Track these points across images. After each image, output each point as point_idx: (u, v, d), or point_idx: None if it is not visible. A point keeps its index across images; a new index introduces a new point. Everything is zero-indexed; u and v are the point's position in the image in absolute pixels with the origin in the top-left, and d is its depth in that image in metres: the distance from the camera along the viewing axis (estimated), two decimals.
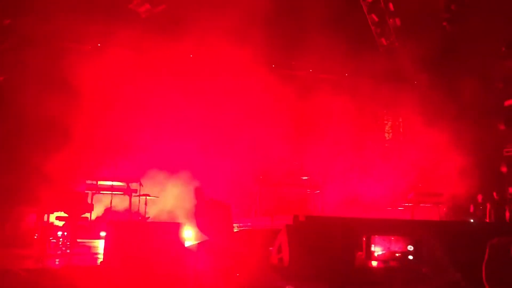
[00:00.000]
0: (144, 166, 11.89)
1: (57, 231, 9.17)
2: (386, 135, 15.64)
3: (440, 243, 2.43)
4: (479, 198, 12.04)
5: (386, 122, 15.72)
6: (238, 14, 11.62)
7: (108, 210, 11.04)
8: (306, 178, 12.45)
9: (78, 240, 8.80)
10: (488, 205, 11.68)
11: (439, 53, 13.39)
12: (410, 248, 3.21)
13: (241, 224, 10.85)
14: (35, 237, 8.40)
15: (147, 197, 10.99)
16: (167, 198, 11.95)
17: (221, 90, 13.00)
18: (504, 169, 13.46)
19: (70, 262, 5.45)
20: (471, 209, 12.16)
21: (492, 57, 13.55)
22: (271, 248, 6.19)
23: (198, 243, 9.35)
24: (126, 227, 5.26)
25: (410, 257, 3.17)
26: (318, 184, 12.46)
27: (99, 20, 12.12)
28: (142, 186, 10.96)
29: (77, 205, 8.47)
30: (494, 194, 12.16)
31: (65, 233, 9.01)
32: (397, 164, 14.29)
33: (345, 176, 13.11)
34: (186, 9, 12.12)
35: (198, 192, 6.76)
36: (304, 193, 12.51)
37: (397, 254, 3.32)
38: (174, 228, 5.47)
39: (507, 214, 12.69)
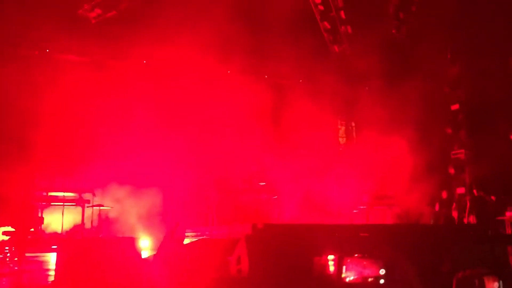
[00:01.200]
0: (97, 176, 11.55)
1: (4, 246, 8.74)
2: (340, 139, 15.95)
3: (412, 266, 2.42)
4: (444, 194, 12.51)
5: (340, 127, 16.03)
6: (190, 20, 11.56)
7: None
8: (263, 184, 12.48)
9: (28, 255, 8.40)
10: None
11: (389, 60, 13.80)
12: (382, 272, 3.14)
13: (198, 233, 10.71)
14: None
15: (101, 208, 10.70)
16: (121, 208, 11.66)
17: (177, 97, 12.84)
18: (451, 170, 14.04)
19: (18, 281, 5.17)
20: (437, 207, 12.58)
21: (439, 63, 14.13)
22: (229, 258, 6.12)
23: (154, 254, 9.16)
24: (77, 244, 5.05)
25: (382, 281, 3.10)
26: (275, 189, 12.51)
27: (48, 25, 11.70)
28: (95, 196, 10.65)
29: (25, 219, 8.08)
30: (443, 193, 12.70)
31: (13, 248, 8.59)
32: (351, 168, 14.59)
33: (302, 181, 13.24)
34: (139, 14, 11.92)
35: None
36: (261, 199, 12.52)
37: (369, 279, 3.24)
38: (128, 242, 5.30)
39: (455, 214, 13.25)
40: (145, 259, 7.69)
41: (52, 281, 4.70)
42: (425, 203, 12.52)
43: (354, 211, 13.16)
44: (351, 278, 3.22)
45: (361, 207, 12.81)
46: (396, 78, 13.32)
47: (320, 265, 5.71)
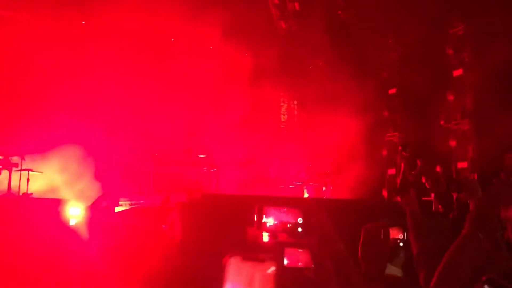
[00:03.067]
0: (28, 139, 10.96)
1: None
2: (282, 116, 16.13)
3: (327, 218, 2.61)
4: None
5: (282, 104, 16.19)
6: None
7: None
8: (203, 156, 12.42)
9: None
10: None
11: (334, 40, 14.01)
12: (300, 220, 3.38)
13: (133, 202, 10.54)
14: None
15: (30, 172, 10.19)
16: (52, 173, 11.18)
17: (118, 61, 12.36)
18: (384, 152, 14.65)
19: None
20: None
21: (380, 47, 14.54)
22: (163, 225, 6.08)
23: (85, 221, 8.92)
24: (0, 202, 4.78)
25: (299, 229, 3.33)
26: (214, 163, 12.50)
27: None
28: (24, 160, 10.11)
29: None
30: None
31: None
32: (290, 145, 14.84)
33: (241, 156, 13.30)
34: None
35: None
36: (200, 171, 12.47)
37: (288, 225, 3.46)
38: (55, 204, 5.09)
39: (385, 194, 13.88)
40: (74, 225, 7.47)
41: None
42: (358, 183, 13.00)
43: (291, 186, 13.44)
44: (271, 224, 3.42)
45: (298, 183, 13.10)
46: (340, 58, 13.56)
47: (253, 235, 5.81)
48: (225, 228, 5.00)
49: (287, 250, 3.27)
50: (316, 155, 13.97)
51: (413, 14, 12.17)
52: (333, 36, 13.85)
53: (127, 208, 9.94)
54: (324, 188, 12.93)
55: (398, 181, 12.99)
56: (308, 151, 14.10)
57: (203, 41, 13.88)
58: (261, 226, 3.20)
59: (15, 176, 10.03)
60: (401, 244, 3.27)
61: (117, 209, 10.54)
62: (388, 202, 11.18)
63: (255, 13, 12.72)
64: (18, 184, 9.96)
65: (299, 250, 3.21)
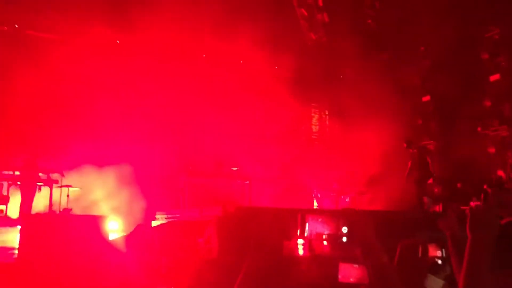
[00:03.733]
0: (67, 156, 11.31)
1: None
2: (313, 127, 16.07)
3: (372, 228, 2.53)
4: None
5: (313, 115, 16.14)
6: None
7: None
8: (236, 169, 12.49)
9: None
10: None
11: (364, 49, 13.92)
12: (344, 230, 3.26)
13: (169, 216, 10.68)
14: None
15: (70, 189, 10.50)
16: (91, 190, 11.46)
17: (151, 79, 12.65)
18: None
19: None
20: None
21: (412, 55, 14.34)
22: (200, 239, 6.13)
23: (124, 235, 9.08)
24: (42, 220, 4.93)
25: (344, 239, 3.21)
26: (247, 175, 12.54)
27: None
28: (64, 177, 10.44)
29: None
30: None
31: None
32: (323, 155, 14.75)
33: (274, 167, 13.30)
34: None
35: None
36: (233, 184, 12.53)
37: (324, 236, 3.37)
38: (95, 221, 5.21)
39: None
40: (113, 240, 7.62)
41: (16, 259, 4.60)
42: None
43: (324, 197, 13.32)
44: (311, 235, 3.31)
45: (332, 194, 12.98)
46: (371, 67, 13.45)
47: (289, 248, 5.79)
48: (260, 241, 5.01)
49: (342, 265, 3.15)
50: (349, 166, 13.81)
51: (446, 19, 11.98)
52: (364, 45, 13.76)
53: (163, 222, 10.07)
54: (357, 199, 12.76)
55: (436, 190, 12.72)
56: (341, 162, 13.96)
57: (233, 55, 14.05)
58: (303, 233, 3.12)
59: (55, 192, 10.35)
60: (439, 262, 3.14)
61: (154, 223, 10.74)
62: (427, 213, 10.91)
63: (284, 26, 12.80)
64: (58, 200, 10.27)
65: (354, 265, 3.09)
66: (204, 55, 13.94)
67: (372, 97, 13.60)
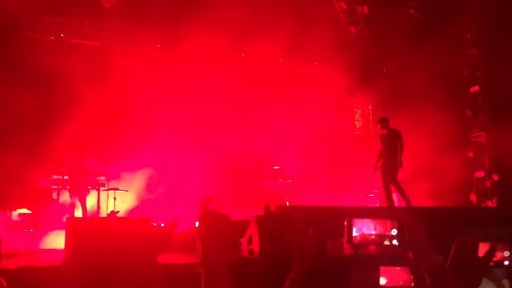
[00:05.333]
0: (113, 160, 11.61)
1: (22, 229, 8.88)
2: (356, 123, 15.73)
3: (424, 227, 2.29)
4: None
5: (356, 110, 15.80)
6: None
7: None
8: (278, 168, 12.40)
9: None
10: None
11: (407, 41, 13.49)
12: (394, 232, 2.95)
13: None
14: None
15: (116, 191, 10.77)
16: (137, 192, 11.73)
17: (192, 80, 12.78)
18: (470, 154, 13.74)
19: (28, 262, 5.20)
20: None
21: (458, 44, 13.75)
22: (241, 240, 6.09)
23: (170, 236, 9.19)
24: (86, 223, 5.03)
25: (395, 241, 2.90)
26: (289, 174, 12.42)
27: (61, 10, 11.76)
28: (111, 180, 10.71)
29: (41, 201, 8.16)
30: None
31: (31, 230, 8.74)
32: (366, 151, 14.41)
33: (317, 165, 13.13)
34: None
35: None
36: (275, 183, 12.44)
37: (372, 236, 3.06)
38: (141, 223, 5.26)
39: (473, 198, 13.01)
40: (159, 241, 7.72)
41: (62, 261, 4.71)
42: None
43: (370, 195, 13.02)
44: (358, 236, 3.02)
45: (375, 191, 12.65)
46: (415, 59, 13.01)
47: (333, 248, 5.64)
48: (303, 241, 4.89)
49: (383, 269, 2.90)
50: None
51: (493, 3, 11.42)
52: (407, 36, 13.33)
53: None
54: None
55: (488, 184, 12.14)
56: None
57: (272, 54, 13.96)
58: (351, 239, 2.86)
59: (102, 195, 10.64)
60: (506, 262, 2.81)
61: (198, 223, 10.82)
62: (477, 208, 10.45)
63: (322, 21, 12.58)
64: (105, 203, 10.55)
65: (397, 268, 2.86)
66: (243, 55, 13.93)
67: (417, 89, 13.16)
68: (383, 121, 9.61)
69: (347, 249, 4.91)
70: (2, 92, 10.21)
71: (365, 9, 13.02)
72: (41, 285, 4.14)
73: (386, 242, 2.89)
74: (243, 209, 9.08)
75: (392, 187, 9.37)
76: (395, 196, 9.67)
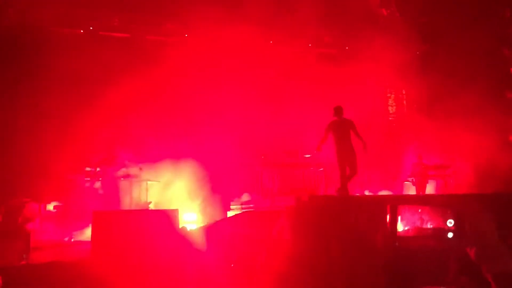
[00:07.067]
0: (145, 151, 11.65)
1: (58, 221, 9.02)
2: (390, 108, 15.29)
3: (490, 221, 1.76)
4: None
5: (389, 95, 15.35)
6: None
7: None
8: (309, 156, 12.16)
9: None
10: None
11: (441, 22, 12.96)
12: (450, 223, 2.29)
13: (244, 206, 10.65)
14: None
15: (148, 182, 10.80)
16: (169, 183, 11.73)
17: (220, 71, 12.67)
18: (511, 138, 13.14)
19: (57, 255, 5.23)
20: None
21: (496, 22, 13.10)
22: (273, 230, 5.96)
23: (202, 227, 9.17)
24: (113, 216, 5.00)
25: (450, 234, 2.24)
26: (321, 162, 12.15)
27: (89, 2, 11.85)
28: (142, 170, 10.75)
29: (74, 194, 8.25)
30: None
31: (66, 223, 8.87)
32: (401, 137, 14.01)
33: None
34: None
35: None
36: (307, 172, 12.21)
37: (430, 230, 2.38)
38: (169, 215, 5.19)
39: None
40: (190, 231, 7.68)
41: (90, 255, 4.70)
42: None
43: (405, 182, 12.63)
44: (406, 228, 2.35)
45: (411, 178, 12.24)
46: (450, 40, 12.49)
47: (374, 241, 5.41)
48: (337, 233, 4.70)
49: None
50: (432, 147, 12.97)
51: None
52: (441, 17, 12.79)
53: (238, 212, 10.06)
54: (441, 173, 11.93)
55: None
56: (422, 143, 13.15)
57: (301, 39, 13.68)
58: (395, 231, 2.30)
59: (135, 187, 10.69)
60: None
61: (229, 214, 10.77)
62: None
63: (352, 4, 12.21)
64: (138, 194, 10.61)
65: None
66: (271, 42, 13.70)
67: (453, 72, 12.64)
68: (339, 110, 9.42)
69: (387, 241, 4.66)
70: (33, 86, 10.37)
71: None
72: (69, 279, 4.13)
73: (439, 235, 2.31)
74: (275, 199, 8.94)
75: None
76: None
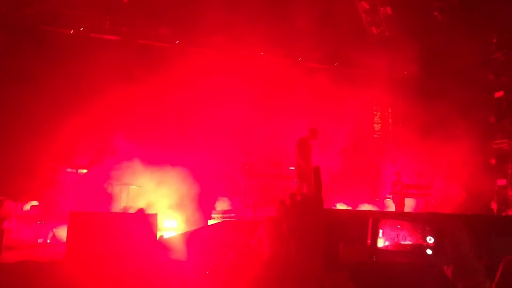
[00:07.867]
0: (126, 155, 11.53)
1: (35, 221, 8.87)
2: (375, 126, 15.43)
3: (473, 240, 1.83)
4: None
5: (375, 113, 15.51)
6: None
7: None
8: (293, 168, 12.17)
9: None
10: None
11: (430, 44, 13.17)
12: (430, 240, 2.31)
13: (225, 215, 10.59)
14: None
15: (130, 187, 10.69)
16: (150, 188, 11.62)
17: (205, 79, 12.67)
18: (493, 161, 13.35)
19: (30, 255, 5.14)
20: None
21: (483, 48, 13.36)
22: (252, 240, 5.92)
23: (180, 233, 9.10)
24: (90, 217, 4.93)
25: (429, 251, 2.26)
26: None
27: (81, 4, 11.80)
28: (124, 174, 10.64)
29: (52, 194, 8.13)
30: None
31: (43, 222, 8.73)
32: (385, 155, 14.12)
33: (333, 167, 12.87)
34: None
35: None
36: (291, 183, 12.22)
37: (409, 245, 2.40)
38: (146, 219, 5.14)
39: (494, 206, 12.62)
40: (170, 238, 7.62)
41: (63, 256, 4.62)
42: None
43: (386, 199, 12.72)
44: (387, 243, 2.35)
45: (390, 196, 12.32)
46: (437, 62, 12.69)
47: (346, 252, 5.42)
48: (307, 242, 4.69)
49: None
50: (414, 165, 13.10)
51: None
52: (430, 39, 13.00)
53: (218, 221, 10.01)
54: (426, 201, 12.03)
55: (510, 193, 11.75)
56: (405, 161, 13.27)
57: (291, 53, 13.78)
58: (375, 244, 2.32)
59: (116, 190, 10.57)
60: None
61: (210, 222, 10.70)
62: (498, 217, 10.08)
63: (344, 21, 12.35)
64: (118, 198, 10.48)
65: None
66: (261, 54, 13.77)
67: (438, 94, 12.83)
68: (314, 131, 9.81)
69: (366, 255, 4.67)
70: (17, 85, 10.24)
71: (388, 9, 12.76)
72: (41, 281, 4.05)
73: (418, 251, 2.31)
74: (256, 210, 8.91)
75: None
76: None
